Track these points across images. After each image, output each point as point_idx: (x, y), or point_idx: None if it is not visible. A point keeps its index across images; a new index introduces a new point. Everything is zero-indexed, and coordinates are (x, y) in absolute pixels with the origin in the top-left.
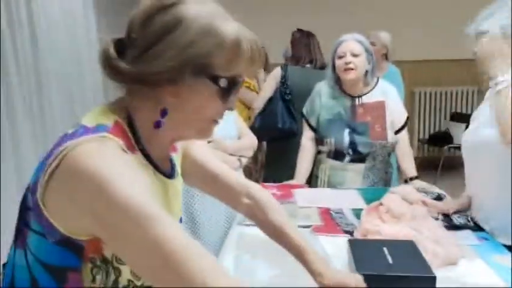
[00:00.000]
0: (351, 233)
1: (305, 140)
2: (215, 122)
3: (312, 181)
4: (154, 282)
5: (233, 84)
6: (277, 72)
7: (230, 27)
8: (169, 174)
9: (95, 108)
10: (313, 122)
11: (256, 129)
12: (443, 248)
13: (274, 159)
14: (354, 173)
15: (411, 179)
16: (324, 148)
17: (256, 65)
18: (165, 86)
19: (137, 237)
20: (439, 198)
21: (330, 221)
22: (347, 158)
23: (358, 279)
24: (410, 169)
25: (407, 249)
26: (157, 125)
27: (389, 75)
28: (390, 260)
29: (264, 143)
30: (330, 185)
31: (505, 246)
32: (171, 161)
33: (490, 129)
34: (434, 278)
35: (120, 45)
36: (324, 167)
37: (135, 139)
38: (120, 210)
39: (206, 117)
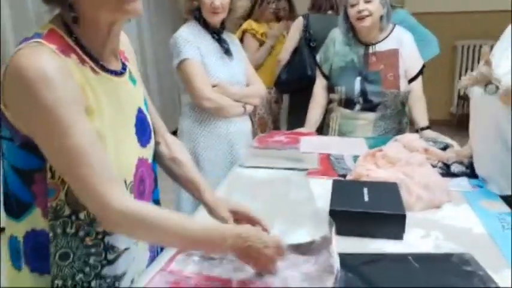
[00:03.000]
0: (344, 176)
1: (317, 88)
2: (124, 13)
3: (323, 129)
4: (65, 178)
5: None
6: (299, 22)
7: None
8: (117, 73)
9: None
10: (325, 70)
11: (284, 81)
12: (429, 192)
13: (298, 110)
14: (364, 121)
15: (422, 129)
16: (335, 96)
17: None
18: None
19: (52, 143)
20: (446, 147)
21: (328, 166)
22: (357, 107)
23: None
24: (421, 119)
25: (387, 191)
26: (74, 20)
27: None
28: (366, 199)
29: (286, 96)
30: (341, 133)
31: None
32: (123, 64)
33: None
34: (403, 216)
35: None
36: (335, 115)
37: (74, 42)
38: (40, 116)
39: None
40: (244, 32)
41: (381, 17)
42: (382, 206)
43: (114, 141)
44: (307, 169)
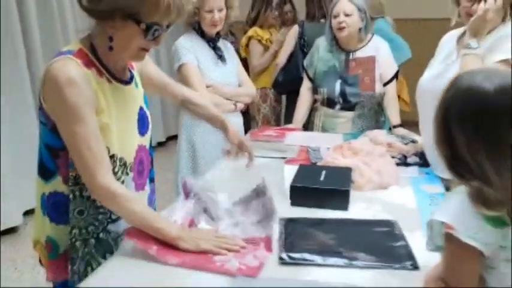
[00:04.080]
0: (315, 164)
1: (303, 89)
2: (144, 50)
3: (308, 126)
4: (71, 155)
5: (151, 27)
6: (295, 29)
7: None
8: (126, 82)
9: (72, 42)
10: (311, 73)
11: (281, 82)
12: (379, 176)
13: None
14: (344, 119)
15: (394, 126)
16: (319, 97)
17: (171, 18)
18: (107, 22)
19: (66, 127)
20: (413, 142)
21: (304, 155)
22: (338, 106)
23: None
24: (394, 118)
25: (341, 173)
26: (110, 48)
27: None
28: (321, 178)
29: (283, 97)
30: (324, 129)
31: (442, 179)
32: (131, 74)
33: (440, 80)
34: (347, 191)
35: None
36: (319, 114)
37: (96, 60)
38: (63, 109)
39: (135, 47)
40: (250, 38)
41: (360, 29)
42: (331, 183)
43: (118, 132)
44: (285, 157)
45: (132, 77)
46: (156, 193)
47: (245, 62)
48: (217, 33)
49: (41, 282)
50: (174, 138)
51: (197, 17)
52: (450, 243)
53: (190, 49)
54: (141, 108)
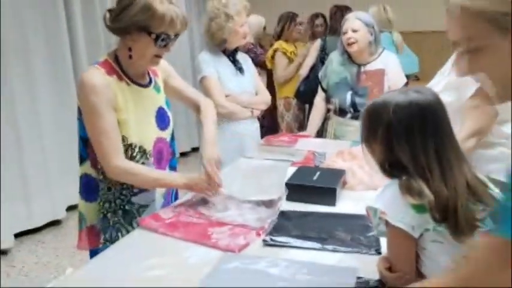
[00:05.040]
0: (317, 166)
1: (318, 99)
2: (157, 56)
3: (323, 133)
4: (92, 143)
5: (160, 36)
6: (317, 43)
7: (160, 6)
8: (145, 85)
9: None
10: (324, 85)
11: (302, 92)
12: (370, 178)
13: None
14: (354, 128)
15: None
16: (331, 106)
17: (176, 29)
18: (126, 36)
19: (90, 122)
20: None
21: (310, 159)
22: (349, 115)
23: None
24: None
25: (334, 174)
26: (130, 57)
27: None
28: (315, 178)
29: (307, 106)
30: (336, 137)
31: None
32: (150, 79)
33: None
34: (334, 189)
35: (110, 12)
36: (331, 122)
37: (119, 67)
38: (87, 108)
39: (149, 54)
40: (275, 51)
41: (370, 42)
42: (322, 182)
43: (136, 125)
44: (292, 160)
45: (150, 82)
46: None
47: (270, 73)
48: (237, 47)
49: (76, 266)
50: (197, 149)
51: (226, 43)
52: (387, 227)
53: (211, 62)
54: (161, 108)
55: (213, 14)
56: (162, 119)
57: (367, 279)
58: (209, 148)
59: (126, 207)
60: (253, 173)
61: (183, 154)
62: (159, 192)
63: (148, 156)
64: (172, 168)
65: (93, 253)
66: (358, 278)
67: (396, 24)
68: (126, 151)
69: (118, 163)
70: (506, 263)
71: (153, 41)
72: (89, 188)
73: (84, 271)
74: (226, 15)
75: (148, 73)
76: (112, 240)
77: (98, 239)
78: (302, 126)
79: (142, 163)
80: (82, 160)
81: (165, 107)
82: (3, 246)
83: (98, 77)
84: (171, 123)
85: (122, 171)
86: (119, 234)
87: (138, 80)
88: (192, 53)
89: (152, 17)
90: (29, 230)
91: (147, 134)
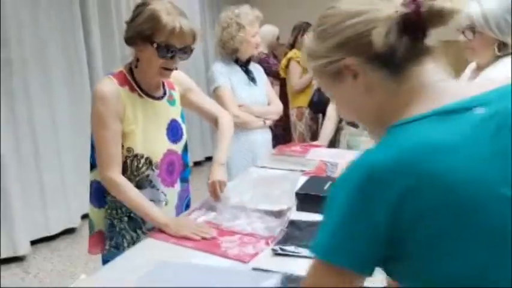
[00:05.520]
0: (329, 176)
1: (330, 109)
2: (164, 69)
3: (335, 144)
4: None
5: (161, 46)
6: None
7: (165, 16)
8: (158, 98)
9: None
10: None
11: (316, 102)
12: None
13: None
14: (367, 138)
15: None
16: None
17: (182, 40)
18: (134, 46)
19: (94, 129)
20: None
21: (321, 169)
22: (361, 126)
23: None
24: None
25: None
26: (136, 67)
27: None
28: (325, 188)
29: (320, 116)
30: (348, 147)
31: None
32: (165, 91)
33: None
34: None
35: (126, 23)
36: (344, 132)
37: (132, 79)
38: (94, 116)
39: (155, 65)
40: (289, 60)
41: None
42: None
43: (144, 137)
44: (304, 170)
45: (164, 94)
46: (190, 194)
47: (283, 83)
48: (249, 58)
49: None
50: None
51: (238, 53)
52: None
53: (224, 73)
54: (174, 120)
55: (225, 23)
56: (174, 131)
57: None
58: (216, 169)
59: (132, 214)
60: (264, 182)
61: (197, 163)
62: (171, 204)
63: (154, 167)
64: (185, 179)
65: (106, 260)
66: None
67: None
68: (132, 162)
69: (111, 175)
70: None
71: (155, 51)
72: (98, 194)
73: (96, 278)
74: (238, 24)
75: (164, 85)
76: (117, 246)
77: (103, 244)
78: (315, 136)
79: (147, 175)
80: (92, 166)
81: (179, 119)
82: (20, 253)
83: (109, 87)
84: (184, 136)
85: (111, 184)
86: (124, 240)
87: (152, 92)
88: (207, 64)
89: (155, 26)
90: (45, 237)
91: (155, 146)
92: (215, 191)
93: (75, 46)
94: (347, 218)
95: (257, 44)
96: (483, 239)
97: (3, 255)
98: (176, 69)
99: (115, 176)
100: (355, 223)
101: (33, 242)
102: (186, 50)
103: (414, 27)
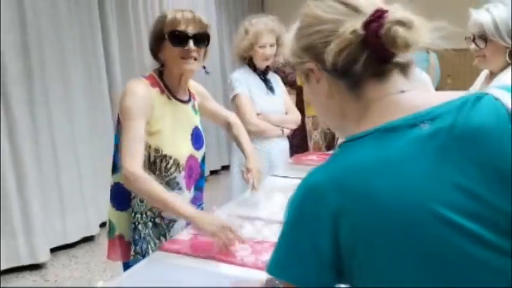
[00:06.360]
0: None
1: None
2: (184, 58)
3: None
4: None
5: (171, 34)
6: None
7: (172, 14)
8: (184, 101)
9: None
10: None
11: None
12: None
13: None
14: None
15: None
16: None
17: (189, 25)
18: (157, 51)
19: (121, 122)
20: None
21: None
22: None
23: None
24: None
25: None
26: (162, 66)
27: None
28: None
29: None
30: None
31: None
32: (190, 96)
33: None
34: None
35: None
36: None
37: (162, 82)
38: (122, 107)
39: (176, 57)
40: None
41: None
42: None
43: (172, 138)
44: None
45: (189, 100)
46: (203, 203)
47: (300, 91)
48: (267, 67)
49: (106, 280)
50: (227, 167)
51: (251, 51)
52: None
53: (243, 81)
54: (196, 128)
55: (239, 31)
56: (197, 139)
57: None
58: (252, 160)
59: (156, 220)
60: (280, 191)
61: (213, 172)
62: None
63: (181, 169)
64: (199, 187)
65: (127, 266)
66: None
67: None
68: (161, 162)
69: (134, 168)
70: None
71: (169, 42)
72: (121, 196)
73: (116, 285)
74: (247, 33)
75: (190, 93)
76: (142, 253)
77: (128, 250)
78: (331, 145)
79: (175, 177)
80: (116, 169)
81: (200, 128)
82: (40, 260)
83: (141, 87)
84: (204, 146)
85: (135, 177)
86: (149, 247)
87: (179, 95)
88: (224, 74)
89: (163, 21)
90: (64, 245)
91: (181, 148)
92: (259, 179)
93: (94, 53)
94: (292, 236)
95: (265, 56)
96: (416, 257)
97: (24, 263)
98: (196, 59)
99: (133, 169)
100: (299, 241)
101: (52, 250)
102: (199, 37)
103: (372, 48)
